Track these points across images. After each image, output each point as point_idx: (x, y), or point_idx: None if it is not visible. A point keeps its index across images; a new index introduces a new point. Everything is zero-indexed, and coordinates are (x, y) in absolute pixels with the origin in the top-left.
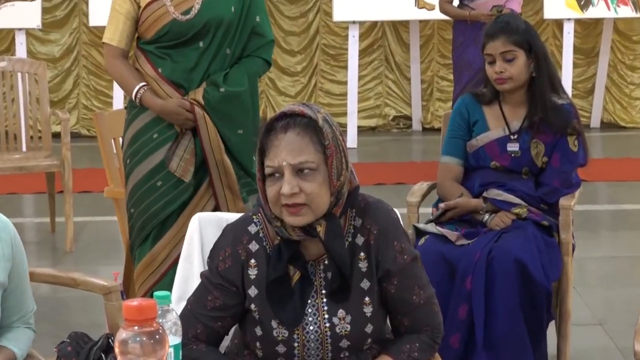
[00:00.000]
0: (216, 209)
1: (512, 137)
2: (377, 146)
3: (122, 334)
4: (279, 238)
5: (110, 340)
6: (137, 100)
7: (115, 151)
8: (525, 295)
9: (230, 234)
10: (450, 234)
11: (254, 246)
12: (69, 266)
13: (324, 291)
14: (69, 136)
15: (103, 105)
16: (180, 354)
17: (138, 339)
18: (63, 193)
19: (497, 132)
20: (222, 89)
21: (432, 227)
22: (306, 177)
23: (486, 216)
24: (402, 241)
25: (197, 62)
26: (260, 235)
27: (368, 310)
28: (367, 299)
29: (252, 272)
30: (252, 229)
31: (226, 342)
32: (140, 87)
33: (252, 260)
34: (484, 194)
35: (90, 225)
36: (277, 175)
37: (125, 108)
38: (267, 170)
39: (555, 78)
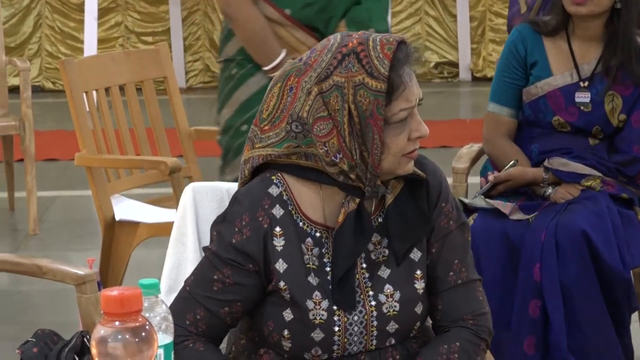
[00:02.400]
0: None
1: (581, 84)
2: None
3: (100, 331)
4: (355, 201)
5: (85, 339)
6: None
7: (87, 108)
8: (599, 282)
9: (246, 198)
10: (502, 204)
11: (278, 211)
12: (33, 252)
13: (364, 265)
14: (29, 90)
15: (72, 52)
16: (172, 356)
17: (120, 336)
18: (24, 161)
19: (562, 77)
20: (372, 29)
21: (480, 201)
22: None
23: (549, 189)
24: (450, 203)
25: None
26: (284, 197)
27: (420, 285)
28: (418, 272)
29: (279, 243)
30: (274, 190)
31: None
32: (285, 56)
33: (277, 229)
34: (546, 164)
35: (59, 200)
36: (405, 119)
37: (221, 61)
38: (402, 115)
39: None
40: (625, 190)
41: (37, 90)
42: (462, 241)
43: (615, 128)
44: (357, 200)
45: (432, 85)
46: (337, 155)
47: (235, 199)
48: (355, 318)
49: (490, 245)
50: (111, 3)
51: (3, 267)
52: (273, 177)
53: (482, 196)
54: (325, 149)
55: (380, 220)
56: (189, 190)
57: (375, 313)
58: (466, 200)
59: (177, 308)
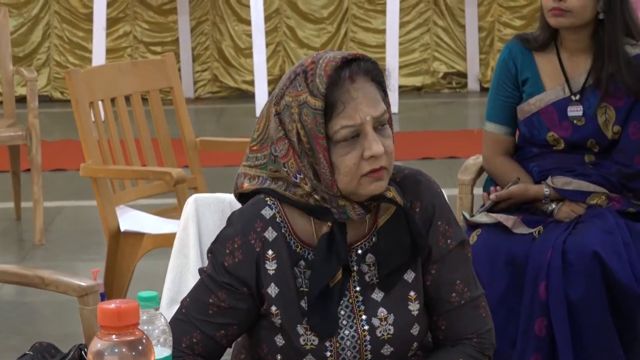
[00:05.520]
0: None
1: (573, 97)
2: (424, 110)
3: (96, 344)
4: (329, 225)
5: (83, 352)
6: None
7: (93, 118)
8: (610, 301)
9: (239, 221)
10: (505, 218)
11: (270, 234)
12: (39, 262)
13: (357, 288)
14: (37, 100)
15: (80, 62)
16: None
17: (116, 350)
18: (30, 171)
19: (554, 92)
20: None
21: (482, 217)
22: (384, 133)
23: (552, 205)
24: (446, 221)
25: None
26: (278, 220)
27: (414, 307)
28: (412, 293)
29: (271, 267)
30: (267, 212)
31: (226, 355)
32: None
33: (270, 252)
34: (548, 182)
35: (65, 211)
36: (353, 138)
37: None
38: (343, 133)
39: (632, 21)
40: (631, 204)
41: (46, 100)
42: (463, 259)
43: (610, 141)
44: (330, 223)
45: (440, 95)
46: (297, 175)
47: (229, 221)
48: (348, 343)
49: (494, 263)
50: (120, 13)
51: (6, 278)
52: (267, 199)
53: (486, 213)
54: (286, 169)
55: (374, 240)
56: (192, 202)
57: (368, 337)
58: (468, 217)
59: (174, 330)
